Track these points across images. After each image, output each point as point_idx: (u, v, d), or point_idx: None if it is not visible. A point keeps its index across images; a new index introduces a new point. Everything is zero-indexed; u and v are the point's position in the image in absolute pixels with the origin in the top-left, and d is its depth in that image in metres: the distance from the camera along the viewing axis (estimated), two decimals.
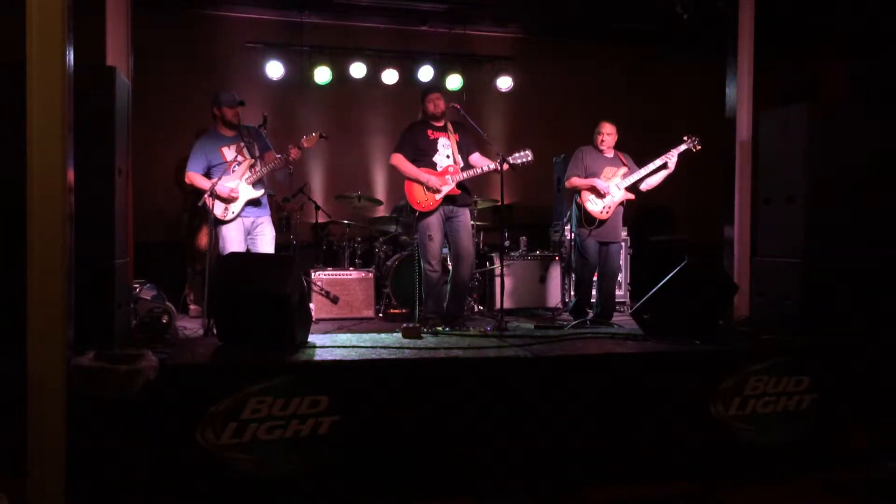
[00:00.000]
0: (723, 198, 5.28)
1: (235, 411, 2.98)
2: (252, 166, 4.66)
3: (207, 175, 4.65)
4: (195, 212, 5.85)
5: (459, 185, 4.79)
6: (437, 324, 4.59)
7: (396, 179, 7.12)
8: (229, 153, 4.67)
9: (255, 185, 4.66)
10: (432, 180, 4.71)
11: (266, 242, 4.76)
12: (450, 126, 4.91)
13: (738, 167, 5.17)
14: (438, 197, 4.73)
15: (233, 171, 4.64)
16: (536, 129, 7.70)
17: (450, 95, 6.62)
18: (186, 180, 4.73)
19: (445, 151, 4.85)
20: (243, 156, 4.69)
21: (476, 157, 4.94)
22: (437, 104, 4.84)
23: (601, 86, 7.79)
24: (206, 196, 4.45)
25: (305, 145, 4.68)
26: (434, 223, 4.76)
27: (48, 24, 2.73)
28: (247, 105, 4.82)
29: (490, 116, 7.82)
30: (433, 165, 4.80)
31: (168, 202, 6.65)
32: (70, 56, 2.85)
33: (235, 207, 4.62)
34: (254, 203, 4.69)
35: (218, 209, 4.59)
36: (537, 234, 7.12)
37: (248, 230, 4.72)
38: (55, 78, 2.75)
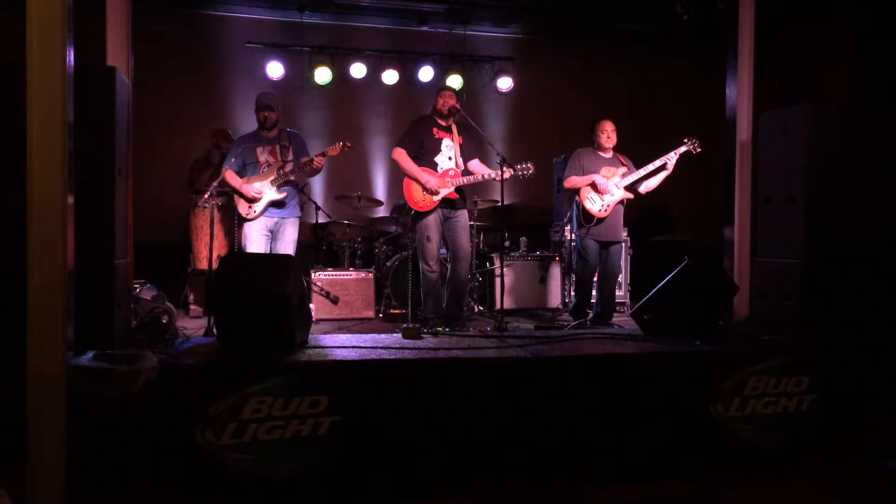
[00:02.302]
0: (723, 198, 5.28)
1: (235, 411, 2.98)
2: (280, 168, 4.79)
3: (242, 173, 4.82)
4: (198, 211, 5.88)
5: (457, 189, 4.79)
6: (436, 324, 4.59)
7: (396, 180, 7.13)
8: (262, 154, 4.84)
9: (279, 187, 4.78)
10: (431, 182, 4.70)
11: (285, 243, 4.87)
12: (454, 128, 4.91)
13: (738, 167, 5.16)
14: (436, 199, 4.73)
15: (262, 171, 4.80)
16: (536, 129, 7.72)
17: None
18: (223, 176, 4.73)
19: (448, 153, 4.84)
20: (276, 158, 4.82)
21: (476, 164, 4.93)
22: (445, 101, 4.83)
23: (601, 86, 7.79)
24: (212, 196, 4.50)
25: (330, 154, 4.78)
26: (431, 224, 4.75)
27: (48, 24, 2.72)
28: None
29: (490, 117, 7.83)
30: (434, 166, 4.79)
31: (168, 202, 6.65)
32: (70, 56, 2.84)
33: (258, 207, 4.77)
34: (277, 204, 4.81)
35: (242, 208, 4.80)
36: (537, 234, 7.13)
37: (270, 230, 4.85)
38: (55, 78, 2.74)
